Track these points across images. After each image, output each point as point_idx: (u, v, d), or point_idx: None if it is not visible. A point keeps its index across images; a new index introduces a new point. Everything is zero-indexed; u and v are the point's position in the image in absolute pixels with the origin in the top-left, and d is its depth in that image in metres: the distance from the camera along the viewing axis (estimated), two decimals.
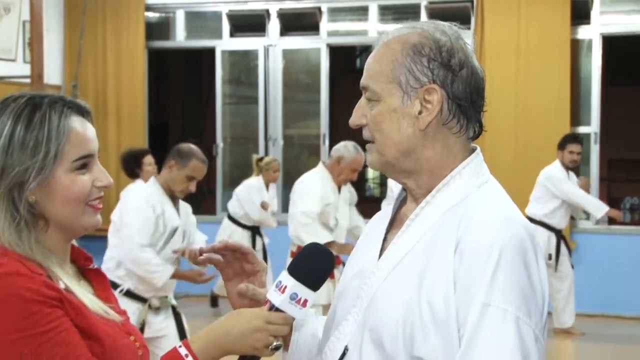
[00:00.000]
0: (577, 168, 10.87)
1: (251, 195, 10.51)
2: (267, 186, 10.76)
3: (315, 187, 7.49)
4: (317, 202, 7.34)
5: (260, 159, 10.98)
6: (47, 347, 1.89)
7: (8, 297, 1.90)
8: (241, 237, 10.21)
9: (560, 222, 9.60)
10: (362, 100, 2.03)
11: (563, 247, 9.76)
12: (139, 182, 8.92)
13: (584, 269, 10.33)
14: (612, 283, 10.62)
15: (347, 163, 7.35)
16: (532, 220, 9.37)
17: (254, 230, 10.43)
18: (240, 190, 10.69)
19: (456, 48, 1.97)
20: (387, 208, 2.16)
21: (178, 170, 5.74)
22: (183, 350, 1.96)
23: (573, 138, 9.79)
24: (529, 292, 1.83)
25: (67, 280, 2.04)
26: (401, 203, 2.11)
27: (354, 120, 2.03)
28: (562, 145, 9.71)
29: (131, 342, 2.13)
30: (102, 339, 2.00)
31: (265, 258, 9.68)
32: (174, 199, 5.86)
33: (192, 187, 5.82)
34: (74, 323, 1.95)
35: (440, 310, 1.82)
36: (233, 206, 10.69)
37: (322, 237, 7.09)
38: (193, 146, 6.06)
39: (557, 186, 9.60)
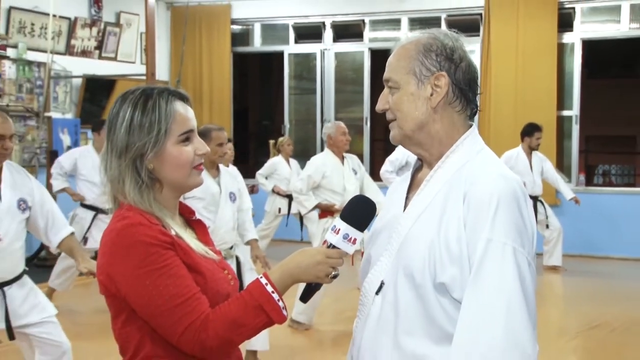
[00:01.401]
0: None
1: (278, 171, 10.42)
2: (287, 161, 10.51)
3: (310, 166, 7.31)
4: (304, 180, 7.18)
5: (275, 142, 10.84)
6: (163, 279, 1.89)
7: (133, 242, 1.91)
8: (280, 203, 10.28)
9: (533, 190, 9.49)
10: (385, 91, 2.04)
11: (548, 208, 9.74)
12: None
13: (568, 220, 10.32)
14: (591, 230, 10.62)
15: (334, 133, 7.18)
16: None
17: (290, 197, 9.95)
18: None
19: (456, 47, 1.99)
20: (404, 175, 2.15)
21: (207, 144, 5.58)
22: (263, 280, 1.94)
23: (538, 127, 9.58)
24: (522, 229, 1.84)
25: (177, 228, 2.03)
26: (416, 171, 2.10)
27: (379, 106, 2.05)
28: (529, 133, 9.55)
29: (225, 275, 2.09)
30: (204, 272, 1.98)
31: (301, 221, 9.54)
32: (214, 170, 5.59)
33: (226, 149, 5.63)
34: (182, 261, 1.94)
35: (454, 247, 1.84)
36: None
37: (307, 206, 7.16)
38: (207, 125, 5.87)
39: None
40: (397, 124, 2.02)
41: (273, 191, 10.35)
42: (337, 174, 7.21)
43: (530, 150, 9.58)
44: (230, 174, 5.80)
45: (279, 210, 10.29)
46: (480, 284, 1.81)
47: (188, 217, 2.19)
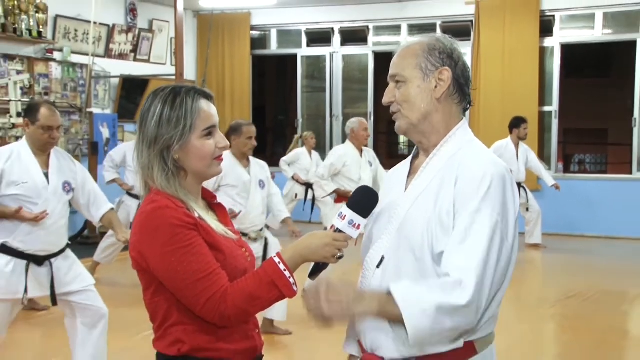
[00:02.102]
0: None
1: (300, 161, 10.44)
2: (310, 153, 10.58)
3: (332, 155, 7.42)
4: (327, 167, 7.28)
5: (301, 136, 10.96)
6: (187, 256, 1.89)
7: (161, 224, 1.92)
8: (298, 190, 10.25)
9: (518, 177, 9.41)
10: (391, 86, 2.03)
11: (529, 192, 9.66)
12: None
13: (548, 203, 10.29)
14: (568, 212, 10.60)
15: (357, 128, 7.23)
16: None
17: (308, 185, 10.01)
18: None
19: (454, 49, 2.01)
20: (403, 161, 2.15)
21: (238, 138, 5.51)
22: (277, 259, 1.93)
23: (524, 119, 9.49)
24: (506, 207, 1.86)
25: (200, 211, 2.03)
26: (414, 158, 2.10)
27: (386, 99, 2.04)
28: (517, 125, 9.43)
29: (243, 252, 2.09)
30: (223, 250, 1.98)
31: (313, 204, 9.55)
32: (245, 161, 5.63)
33: (254, 142, 5.61)
34: (204, 240, 1.94)
35: (446, 221, 1.85)
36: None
37: (327, 190, 7.25)
38: (238, 120, 5.94)
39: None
40: (403, 114, 2.01)
41: (293, 178, 10.37)
42: (355, 164, 7.33)
43: (518, 140, 9.54)
44: (259, 164, 5.81)
45: (296, 195, 10.34)
46: (465, 245, 1.82)
47: (210, 201, 2.17)
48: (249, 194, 5.54)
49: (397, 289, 1.80)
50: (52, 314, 6.09)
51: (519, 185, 9.43)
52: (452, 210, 1.86)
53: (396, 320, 1.81)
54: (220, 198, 5.60)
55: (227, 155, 5.61)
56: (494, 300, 1.91)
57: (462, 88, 2.01)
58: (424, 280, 1.85)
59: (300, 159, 10.49)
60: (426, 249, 1.88)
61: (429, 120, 1.99)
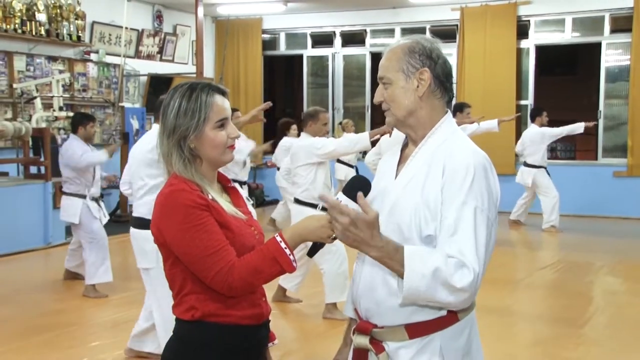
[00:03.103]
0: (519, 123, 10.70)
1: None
2: None
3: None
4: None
5: (340, 122, 10.74)
6: (199, 233, 1.89)
7: (177, 204, 1.91)
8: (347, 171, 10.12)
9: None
10: (380, 87, 1.98)
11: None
12: (287, 138, 8.50)
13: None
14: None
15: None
16: (534, 166, 9.40)
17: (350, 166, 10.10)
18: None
19: (434, 48, 1.94)
20: (393, 150, 2.09)
21: (315, 124, 5.34)
22: (278, 238, 1.91)
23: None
24: (489, 195, 1.83)
25: (214, 193, 1.99)
26: (404, 147, 2.04)
27: (376, 99, 2.00)
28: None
29: (252, 230, 2.06)
30: (233, 229, 1.96)
31: None
32: None
33: (328, 128, 5.45)
34: (215, 219, 1.92)
35: (433, 206, 1.82)
36: None
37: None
38: (316, 107, 5.71)
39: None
40: (392, 112, 1.96)
41: (337, 161, 10.19)
42: None
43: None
44: None
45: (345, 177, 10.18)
46: (456, 236, 1.78)
47: (225, 184, 2.14)
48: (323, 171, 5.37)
49: (408, 247, 1.77)
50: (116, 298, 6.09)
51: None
52: (440, 198, 1.82)
53: (397, 272, 1.77)
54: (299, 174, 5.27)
55: (303, 136, 5.47)
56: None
57: (443, 84, 1.94)
58: (435, 250, 1.79)
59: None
60: (414, 231, 1.84)
61: (414, 116, 1.94)
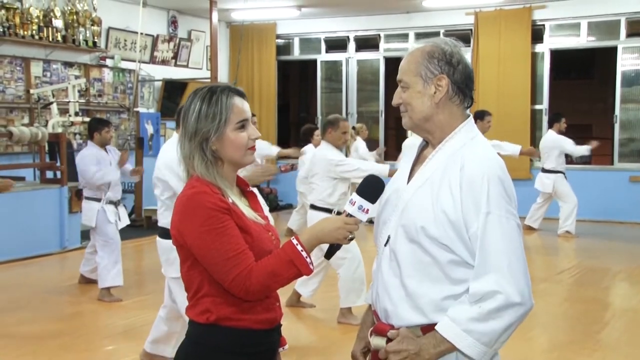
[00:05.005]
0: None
1: (359, 150, 10.26)
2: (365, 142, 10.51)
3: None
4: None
5: (354, 127, 10.65)
6: (219, 237, 1.89)
7: (198, 207, 1.91)
8: None
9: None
10: (399, 89, 1.98)
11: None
12: (310, 145, 8.47)
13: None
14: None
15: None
16: (552, 171, 9.35)
17: None
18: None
19: (454, 52, 1.93)
20: (411, 151, 2.10)
21: (335, 131, 5.32)
22: (295, 241, 1.92)
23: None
24: (509, 199, 1.83)
25: (234, 197, 2.00)
26: (422, 148, 2.04)
27: (395, 101, 1.99)
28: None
29: (269, 235, 2.06)
30: (252, 233, 1.96)
31: None
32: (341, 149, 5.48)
33: (348, 137, 5.44)
34: (235, 223, 1.93)
35: (452, 214, 1.82)
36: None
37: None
38: (336, 115, 5.68)
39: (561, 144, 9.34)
40: (408, 115, 1.97)
41: None
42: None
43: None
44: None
45: None
46: (487, 248, 1.80)
47: (244, 188, 2.15)
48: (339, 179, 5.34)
49: (441, 326, 1.83)
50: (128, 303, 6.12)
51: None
52: (458, 206, 1.83)
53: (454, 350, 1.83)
54: (315, 183, 5.30)
55: (326, 147, 5.42)
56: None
57: (462, 90, 1.93)
58: (459, 304, 1.84)
59: (358, 147, 10.29)
60: (420, 232, 1.85)
61: (432, 121, 1.94)
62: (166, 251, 4.08)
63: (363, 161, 5.40)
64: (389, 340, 1.91)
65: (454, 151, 1.90)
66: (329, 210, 5.25)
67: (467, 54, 11.29)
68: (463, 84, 1.93)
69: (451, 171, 1.86)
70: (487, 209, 1.80)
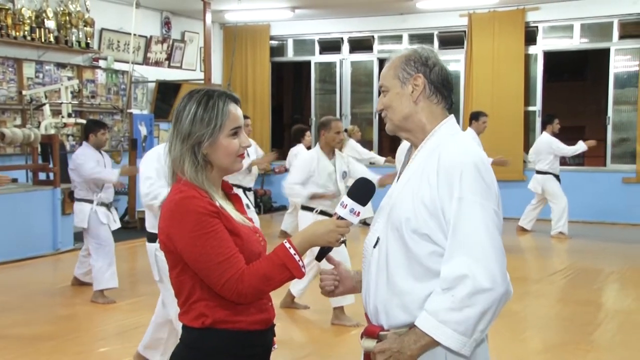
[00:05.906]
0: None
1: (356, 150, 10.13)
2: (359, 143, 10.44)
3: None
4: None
5: (346, 129, 10.60)
6: (210, 241, 1.89)
7: (187, 211, 1.90)
8: None
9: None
10: (380, 95, 2.05)
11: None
12: (300, 145, 8.48)
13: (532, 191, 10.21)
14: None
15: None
16: (546, 173, 9.34)
17: None
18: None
19: (430, 56, 1.99)
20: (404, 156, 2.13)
21: (327, 132, 5.34)
22: (287, 244, 1.94)
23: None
24: (485, 187, 1.84)
25: (221, 201, 2.00)
26: (410, 152, 2.08)
27: (377, 107, 2.07)
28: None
29: (257, 237, 2.07)
30: (242, 236, 1.97)
31: None
32: (331, 154, 5.43)
33: (342, 137, 5.45)
34: (225, 226, 1.93)
35: (430, 205, 1.85)
36: None
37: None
38: (328, 116, 5.71)
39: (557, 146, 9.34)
40: (389, 117, 2.02)
41: None
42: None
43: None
44: (341, 156, 5.58)
45: None
46: (458, 232, 1.81)
47: (228, 192, 2.15)
48: (334, 183, 5.39)
49: (419, 320, 1.85)
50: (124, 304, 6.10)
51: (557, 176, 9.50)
52: (436, 197, 1.85)
53: (435, 345, 1.85)
54: (310, 187, 5.29)
55: (315, 149, 5.49)
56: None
57: (439, 90, 1.99)
58: (432, 296, 1.86)
59: (356, 148, 10.16)
60: (409, 229, 1.88)
61: (411, 120, 1.99)
62: (154, 255, 4.08)
63: (296, 186, 5.43)
64: (379, 342, 1.93)
65: (434, 147, 1.94)
66: (313, 209, 5.35)
67: (460, 56, 11.35)
68: (440, 84, 1.99)
69: (430, 164, 1.90)
70: (460, 194, 1.82)
